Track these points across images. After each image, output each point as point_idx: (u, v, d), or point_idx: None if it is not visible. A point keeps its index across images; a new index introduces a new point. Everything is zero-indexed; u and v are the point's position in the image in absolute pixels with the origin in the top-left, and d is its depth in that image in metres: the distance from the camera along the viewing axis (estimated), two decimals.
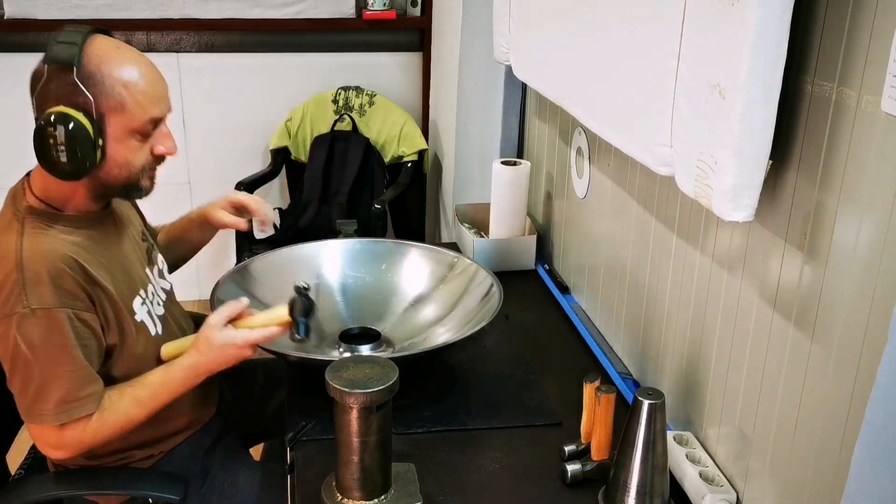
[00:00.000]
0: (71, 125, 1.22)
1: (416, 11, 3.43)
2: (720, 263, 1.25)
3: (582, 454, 1.32)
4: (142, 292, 1.47)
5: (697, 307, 1.33)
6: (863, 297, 0.92)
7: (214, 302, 1.57)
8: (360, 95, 3.39)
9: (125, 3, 3.25)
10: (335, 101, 3.38)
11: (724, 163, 1.00)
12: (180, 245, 1.76)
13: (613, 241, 1.68)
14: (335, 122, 3.35)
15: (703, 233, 1.30)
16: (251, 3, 3.32)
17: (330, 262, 1.85)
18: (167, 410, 1.47)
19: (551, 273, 2.04)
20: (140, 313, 1.45)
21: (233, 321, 1.41)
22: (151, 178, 1.40)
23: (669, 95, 1.14)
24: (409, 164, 3.33)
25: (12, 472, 1.65)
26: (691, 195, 1.10)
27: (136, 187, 1.38)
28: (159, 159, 1.39)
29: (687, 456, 1.28)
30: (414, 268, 1.84)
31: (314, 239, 1.88)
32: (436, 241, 3.46)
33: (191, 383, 1.41)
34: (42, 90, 1.24)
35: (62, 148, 1.23)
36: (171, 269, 1.69)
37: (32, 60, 1.30)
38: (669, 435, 1.30)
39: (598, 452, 1.30)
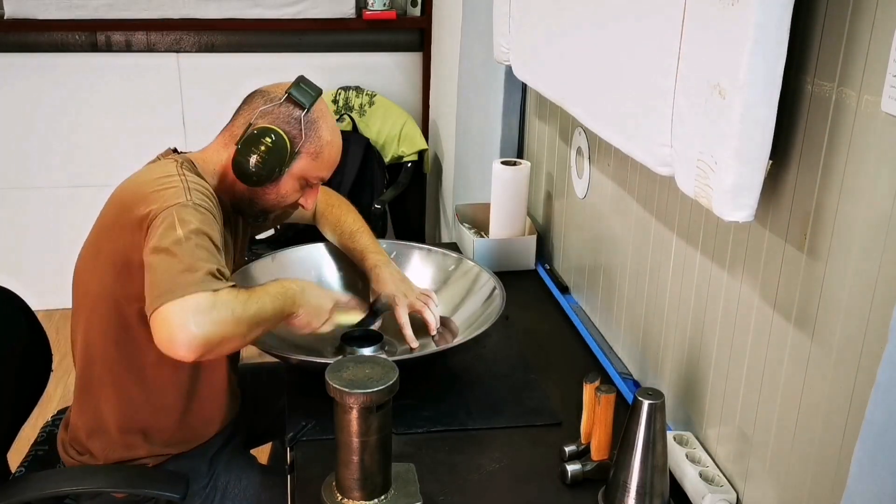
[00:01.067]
0: (278, 142, 1.44)
1: (416, 11, 3.43)
2: (720, 263, 1.25)
3: (582, 454, 1.33)
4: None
5: (697, 307, 1.33)
6: (863, 297, 0.92)
7: None
8: (360, 95, 3.39)
9: (125, 3, 3.25)
10: (335, 101, 3.38)
11: (724, 163, 1.00)
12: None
13: (613, 241, 1.68)
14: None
15: (703, 233, 1.30)
16: (251, 3, 3.32)
17: (329, 263, 1.85)
18: (203, 413, 1.53)
19: (551, 273, 2.04)
20: None
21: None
22: (277, 220, 1.63)
23: (669, 95, 1.14)
24: (409, 164, 3.33)
25: (13, 470, 1.65)
26: (691, 195, 1.10)
27: (265, 218, 1.57)
28: (295, 206, 1.57)
29: (687, 456, 1.28)
30: (417, 269, 1.84)
31: (314, 239, 1.88)
32: (436, 241, 3.46)
33: (290, 308, 1.39)
34: (269, 109, 1.47)
35: (260, 155, 1.43)
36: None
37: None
38: (669, 435, 1.30)
39: (597, 452, 1.30)
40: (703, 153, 1.05)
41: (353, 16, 3.38)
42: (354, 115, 3.37)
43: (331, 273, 1.84)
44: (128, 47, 3.35)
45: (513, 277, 1.88)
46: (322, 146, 1.49)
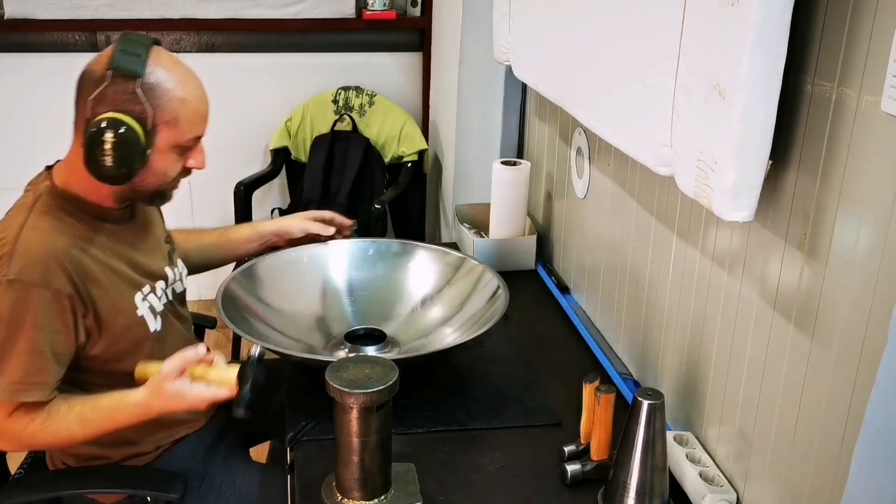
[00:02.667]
0: (125, 132, 1.26)
1: (416, 11, 3.42)
2: (720, 263, 1.25)
3: (582, 454, 1.32)
4: (146, 289, 1.47)
5: (697, 307, 1.33)
6: (863, 297, 0.92)
7: (223, 303, 1.57)
8: (360, 95, 3.39)
9: (125, 3, 3.25)
10: (335, 101, 3.38)
11: (724, 163, 1.00)
12: (219, 251, 1.79)
13: (613, 241, 1.68)
14: (335, 122, 3.35)
15: (703, 233, 1.30)
16: (251, 3, 3.32)
17: (335, 262, 1.85)
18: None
19: (551, 273, 2.04)
20: (141, 308, 1.45)
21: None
22: (175, 188, 1.45)
23: (669, 95, 1.14)
24: (409, 164, 3.33)
25: (12, 472, 1.65)
26: (691, 195, 1.10)
27: (162, 196, 1.43)
28: (188, 172, 1.43)
29: (687, 456, 1.28)
30: (420, 269, 1.84)
31: (314, 239, 1.88)
32: (436, 241, 3.46)
33: (140, 420, 1.36)
34: (99, 94, 1.27)
35: (111, 152, 1.26)
36: (190, 273, 1.67)
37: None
38: (669, 435, 1.30)
39: (597, 452, 1.30)
40: (703, 153, 1.05)
41: (353, 16, 3.38)
42: (354, 115, 3.37)
43: (337, 273, 1.83)
44: None
45: (513, 277, 1.87)
46: (177, 108, 1.31)
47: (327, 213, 1.83)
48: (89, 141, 1.27)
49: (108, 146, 1.26)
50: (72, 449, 1.50)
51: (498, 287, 1.68)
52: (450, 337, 1.66)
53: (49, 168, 1.44)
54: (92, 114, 1.29)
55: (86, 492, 1.48)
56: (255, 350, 1.37)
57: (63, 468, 1.53)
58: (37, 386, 1.30)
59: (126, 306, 1.42)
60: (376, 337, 1.64)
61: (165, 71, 1.31)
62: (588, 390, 1.30)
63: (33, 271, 1.27)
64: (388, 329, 1.69)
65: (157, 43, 1.35)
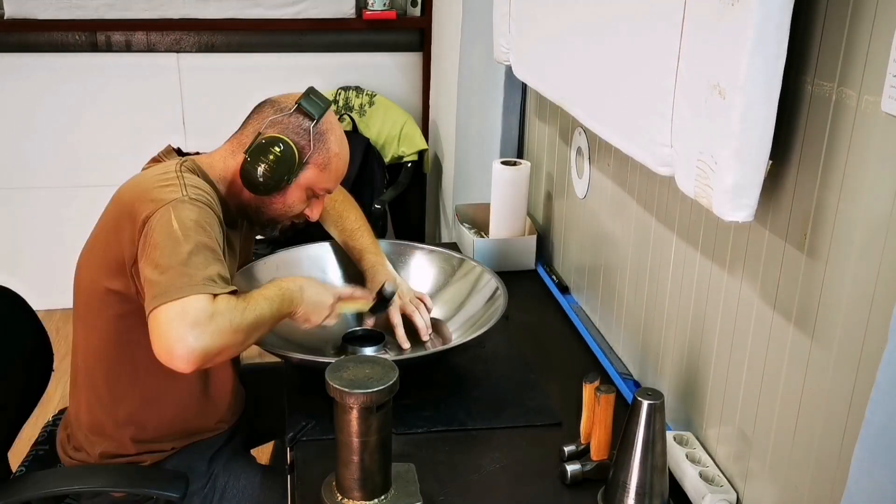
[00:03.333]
0: (287, 152, 1.45)
1: (416, 11, 3.42)
2: (720, 263, 1.25)
3: (582, 454, 1.33)
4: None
5: (697, 307, 1.33)
6: (863, 297, 0.92)
7: None
8: (360, 95, 3.39)
9: (125, 3, 3.25)
10: (335, 101, 3.38)
11: (724, 163, 1.00)
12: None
13: (613, 241, 1.68)
14: None
15: (703, 233, 1.30)
16: (251, 3, 3.32)
17: (333, 263, 1.85)
18: (208, 407, 1.54)
19: (551, 273, 2.04)
20: None
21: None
22: (284, 226, 1.60)
23: (669, 95, 1.14)
24: (409, 164, 3.33)
25: (14, 470, 1.65)
26: (691, 195, 1.10)
27: (271, 227, 1.58)
28: (300, 218, 1.58)
29: (687, 456, 1.28)
30: (419, 269, 1.84)
31: (314, 239, 1.88)
32: (436, 241, 3.46)
33: (289, 308, 1.40)
34: (279, 119, 1.47)
35: (269, 163, 1.44)
36: None
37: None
38: (669, 435, 1.30)
39: (597, 452, 1.30)
40: (703, 153, 1.05)
41: (353, 16, 3.38)
42: (354, 115, 3.37)
43: (333, 272, 1.84)
44: (128, 47, 3.35)
45: (513, 277, 1.87)
46: (330, 158, 1.50)
47: (414, 315, 1.68)
48: (256, 148, 1.45)
49: (270, 157, 1.44)
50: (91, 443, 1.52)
51: (497, 288, 1.68)
52: (450, 338, 1.66)
53: (179, 152, 1.55)
54: (265, 130, 1.47)
55: (88, 489, 1.48)
56: (388, 288, 1.59)
57: (69, 465, 1.54)
58: (230, 283, 1.32)
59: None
60: (374, 338, 1.64)
61: (332, 127, 1.52)
62: (588, 390, 1.30)
63: (206, 197, 1.39)
64: (387, 331, 1.69)
65: (330, 106, 1.53)
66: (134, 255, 1.32)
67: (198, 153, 1.55)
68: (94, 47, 3.33)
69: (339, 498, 1.22)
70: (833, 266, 0.98)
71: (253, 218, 1.55)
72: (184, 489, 1.41)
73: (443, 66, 3.16)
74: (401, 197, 3.25)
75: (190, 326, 1.21)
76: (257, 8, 3.33)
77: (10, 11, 3.20)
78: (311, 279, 1.51)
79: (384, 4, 3.34)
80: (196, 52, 3.39)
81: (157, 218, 1.30)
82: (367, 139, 3.32)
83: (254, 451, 1.82)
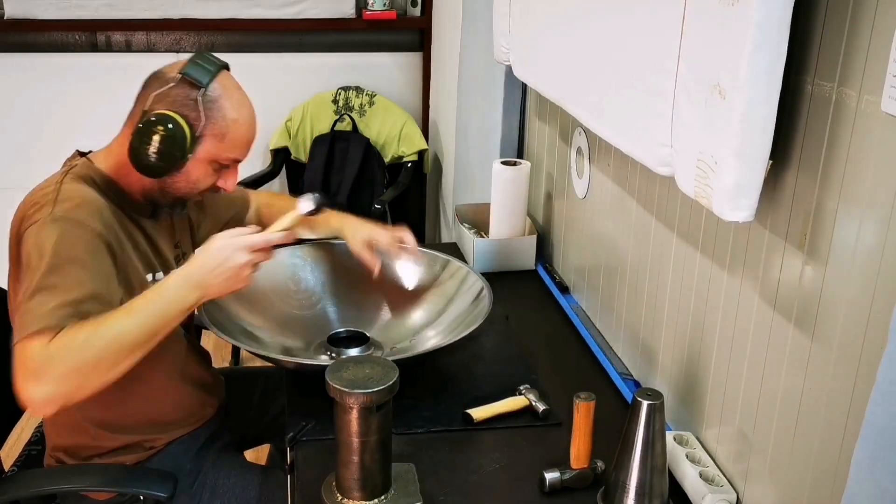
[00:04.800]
0: (174, 129, 1.33)
1: (416, 11, 3.42)
2: (720, 263, 1.25)
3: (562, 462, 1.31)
4: (159, 274, 1.47)
5: (697, 307, 1.33)
6: (863, 297, 0.92)
7: (205, 306, 1.55)
8: (360, 95, 3.39)
9: (125, 3, 3.25)
10: (335, 101, 3.38)
11: (724, 163, 1.00)
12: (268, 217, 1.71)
13: (613, 241, 1.68)
14: (335, 122, 3.35)
15: (703, 233, 1.30)
16: (251, 3, 3.32)
17: (316, 264, 1.83)
18: (166, 398, 1.51)
19: (551, 273, 2.04)
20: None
21: None
22: (189, 206, 1.52)
23: (669, 95, 1.14)
24: (409, 165, 3.33)
25: (6, 469, 1.65)
26: (691, 195, 1.10)
27: (179, 206, 1.48)
28: (215, 190, 1.47)
29: (687, 456, 1.28)
30: (403, 270, 1.83)
31: (313, 240, 1.87)
32: (436, 241, 3.46)
33: (184, 299, 1.28)
34: (163, 92, 1.36)
35: (157, 145, 1.33)
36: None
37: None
38: (669, 435, 1.30)
39: (577, 461, 1.29)
40: (703, 153, 1.05)
41: (353, 16, 3.38)
42: (354, 115, 3.37)
43: (314, 275, 1.82)
44: (128, 47, 3.35)
45: (513, 277, 1.88)
46: (227, 125, 1.38)
47: (408, 237, 1.69)
48: (140, 129, 1.34)
49: (156, 137, 1.32)
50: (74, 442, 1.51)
51: (482, 288, 1.67)
52: (433, 340, 1.66)
53: (82, 154, 1.49)
54: (150, 107, 1.36)
55: (76, 489, 1.48)
56: (306, 204, 1.44)
57: (56, 466, 1.53)
58: (90, 302, 1.24)
59: (141, 281, 1.41)
60: (359, 339, 1.63)
61: (226, 91, 1.40)
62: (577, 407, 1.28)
63: (76, 212, 1.30)
64: (371, 331, 1.69)
65: (227, 68, 1.44)
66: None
67: (90, 151, 1.48)
68: (94, 47, 3.33)
69: (339, 498, 1.22)
70: (833, 266, 0.98)
71: (160, 200, 1.44)
72: (172, 488, 1.41)
73: (443, 66, 3.16)
74: (401, 197, 3.25)
75: (31, 377, 1.16)
76: (257, 8, 3.32)
77: (10, 11, 3.20)
78: (200, 250, 1.32)
79: (384, 4, 3.34)
80: (196, 52, 3.39)
81: (25, 240, 1.28)
82: (367, 139, 3.32)
83: (250, 456, 1.81)
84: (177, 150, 1.34)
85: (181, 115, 1.34)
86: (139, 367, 1.28)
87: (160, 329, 1.27)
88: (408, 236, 1.70)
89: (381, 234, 1.69)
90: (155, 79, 1.40)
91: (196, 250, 1.34)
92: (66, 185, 1.34)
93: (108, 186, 1.42)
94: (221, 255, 1.30)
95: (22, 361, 1.17)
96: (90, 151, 1.49)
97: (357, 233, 1.71)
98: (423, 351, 1.60)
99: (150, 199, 1.45)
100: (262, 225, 1.53)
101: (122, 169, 1.40)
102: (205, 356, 1.70)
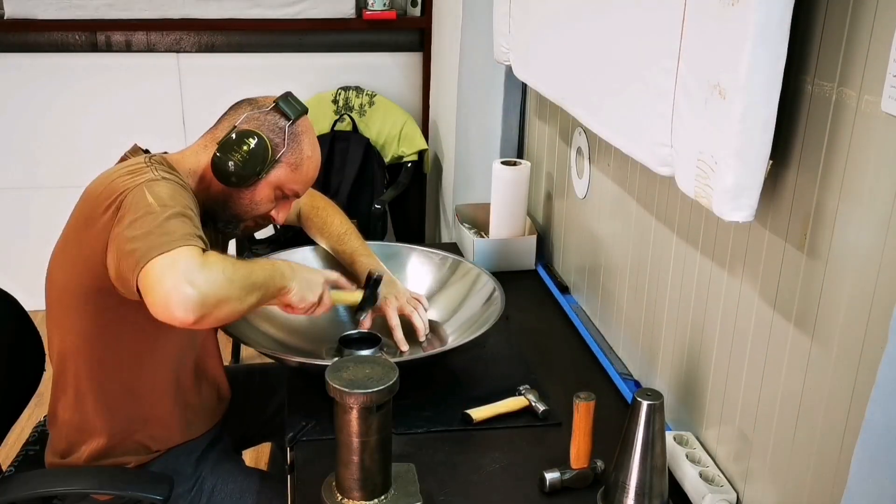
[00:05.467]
0: (260, 146, 1.45)
1: (416, 11, 3.42)
2: (720, 263, 1.25)
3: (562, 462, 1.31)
4: None
5: (697, 307, 1.33)
6: (863, 297, 0.92)
7: None
8: (360, 95, 3.39)
9: (125, 3, 3.25)
10: (335, 101, 3.38)
11: (724, 163, 1.00)
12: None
13: (613, 241, 1.68)
14: (335, 122, 3.35)
15: (703, 233, 1.30)
16: (251, 3, 3.32)
17: (332, 264, 1.84)
18: (177, 397, 1.52)
19: (551, 273, 2.04)
20: None
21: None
22: (244, 228, 1.59)
23: (669, 95, 1.14)
24: (409, 165, 3.33)
25: (4, 469, 1.65)
26: (691, 195, 1.10)
27: (233, 225, 1.54)
28: (266, 219, 1.57)
29: (687, 456, 1.28)
30: (415, 271, 1.84)
31: (312, 242, 1.87)
32: (436, 241, 3.46)
33: (281, 275, 1.40)
34: (255, 115, 1.48)
35: (241, 155, 1.44)
36: None
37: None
38: (669, 435, 1.30)
39: (577, 461, 1.29)
40: (703, 153, 1.05)
41: (353, 16, 3.38)
42: (354, 115, 3.37)
43: (347, 273, 1.82)
44: (128, 47, 3.35)
45: (513, 277, 1.88)
46: (302, 159, 1.50)
47: (409, 313, 1.68)
48: (229, 140, 1.44)
49: (243, 148, 1.44)
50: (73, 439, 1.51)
51: (494, 290, 1.68)
52: (446, 340, 1.66)
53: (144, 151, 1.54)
54: (240, 125, 1.47)
55: (72, 491, 1.48)
56: (375, 274, 1.62)
57: (56, 462, 1.54)
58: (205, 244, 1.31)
59: None
60: (371, 340, 1.64)
61: (307, 131, 1.53)
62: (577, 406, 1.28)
63: (177, 177, 1.40)
64: (382, 332, 1.69)
65: (307, 112, 1.54)
66: (106, 242, 1.30)
67: (165, 153, 1.54)
68: (94, 47, 3.33)
69: (339, 498, 1.22)
70: (833, 266, 0.98)
71: (219, 213, 1.52)
72: (168, 491, 1.40)
73: (443, 66, 3.16)
74: (401, 197, 3.25)
75: (183, 274, 1.20)
76: (257, 8, 3.32)
77: (10, 11, 3.20)
78: (297, 262, 1.51)
79: (384, 4, 3.34)
80: (196, 52, 3.39)
81: (130, 198, 1.30)
82: (367, 139, 3.32)
83: (251, 455, 1.81)
84: (257, 164, 1.45)
85: (267, 137, 1.46)
86: (151, 362, 1.41)
87: (269, 292, 1.37)
88: (424, 302, 1.72)
89: (401, 297, 1.69)
90: (248, 103, 1.52)
91: (304, 266, 1.51)
92: (155, 165, 1.40)
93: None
94: (313, 270, 1.50)
95: (172, 266, 1.21)
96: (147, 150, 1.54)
97: (388, 293, 1.69)
98: (436, 352, 1.60)
99: (209, 210, 1.52)
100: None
101: (195, 174, 1.49)
102: (220, 359, 1.70)
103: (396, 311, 1.65)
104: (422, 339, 1.66)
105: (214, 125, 1.53)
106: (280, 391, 1.73)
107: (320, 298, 1.46)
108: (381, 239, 3.10)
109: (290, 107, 1.49)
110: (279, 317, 1.70)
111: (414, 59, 3.52)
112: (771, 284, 1.11)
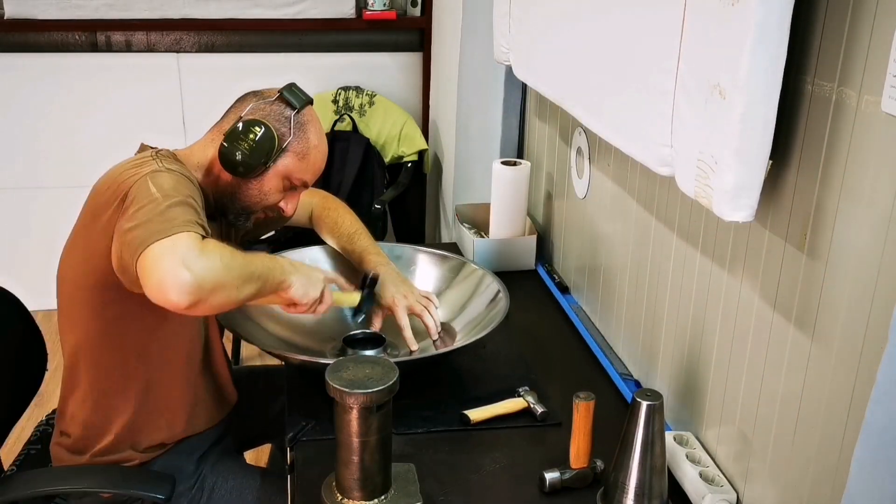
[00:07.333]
0: (266, 135, 1.45)
1: (416, 11, 3.42)
2: (720, 263, 1.25)
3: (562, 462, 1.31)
4: None
5: (697, 307, 1.33)
6: (863, 297, 0.92)
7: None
8: (360, 95, 3.39)
9: (125, 3, 3.25)
10: (335, 102, 3.38)
11: (724, 163, 1.00)
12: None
13: (613, 241, 1.68)
14: (335, 122, 3.35)
15: (703, 233, 1.30)
16: (251, 3, 3.32)
17: (332, 264, 1.84)
18: (185, 393, 1.53)
19: (551, 273, 2.04)
20: None
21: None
22: (255, 221, 1.59)
23: (669, 95, 1.14)
24: (409, 165, 3.33)
25: (6, 469, 1.65)
26: (691, 195, 1.10)
27: (244, 217, 1.54)
28: (274, 211, 1.56)
29: (687, 456, 1.28)
30: (420, 272, 1.84)
31: (314, 240, 1.87)
32: (436, 241, 3.46)
33: (281, 270, 1.40)
34: (261, 106, 1.49)
35: (248, 145, 1.44)
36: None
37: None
38: (669, 435, 1.30)
39: (577, 460, 1.29)
40: (703, 153, 1.05)
41: (353, 16, 3.38)
42: (354, 115, 3.37)
43: (351, 273, 1.82)
44: (128, 47, 3.35)
45: (513, 277, 1.87)
46: (309, 148, 1.50)
47: (420, 312, 1.67)
48: (236, 129, 1.45)
49: (250, 137, 1.44)
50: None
51: (498, 291, 1.68)
52: (455, 337, 1.66)
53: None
54: (246, 116, 1.47)
55: (74, 490, 1.48)
56: (372, 275, 1.62)
57: (61, 462, 1.54)
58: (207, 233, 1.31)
59: None
60: (375, 341, 1.63)
61: (312, 120, 1.53)
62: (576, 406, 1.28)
63: (183, 170, 1.40)
64: (386, 333, 1.69)
65: (311, 103, 1.55)
66: (112, 235, 1.31)
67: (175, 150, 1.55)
68: (94, 47, 3.33)
69: (339, 498, 1.22)
70: (833, 266, 0.98)
71: (228, 205, 1.52)
72: (170, 490, 1.41)
73: (443, 66, 3.16)
74: (401, 197, 3.25)
75: (181, 258, 1.20)
76: (257, 8, 3.32)
77: (10, 11, 3.20)
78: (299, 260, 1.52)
79: (384, 4, 3.34)
80: (196, 52, 3.39)
81: (135, 189, 1.30)
82: (367, 139, 3.32)
83: (252, 456, 1.81)
84: (263, 154, 1.45)
85: (273, 127, 1.46)
86: (159, 358, 1.44)
87: (268, 285, 1.37)
88: (435, 301, 1.71)
89: (411, 296, 1.68)
90: (253, 95, 1.53)
91: (305, 264, 1.51)
92: (162, 158, 1.41)
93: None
94: (313, 268, 1.49)
95: (171, 250, 1.22)
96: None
97: (388, 290, 1.68)
98: (436, 353, 1.60)
99: (219, 202, 1.52)
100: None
101: (203, 167, 1.50)
102: (225, 359, 1.70)
103: (406, 310, 1.64)
104: (434, 337, 1.65)
105: (221, 118, 1.54)
106: (282, 394, 1.73)
107: (322, 295, 1.46)
108: (381, 239, 3.10)
109: (294, 96, 1.50)
110: (285, 316, 1.70)
111: (414, 59, 3.52)
112: (771, 284, 1.11)
